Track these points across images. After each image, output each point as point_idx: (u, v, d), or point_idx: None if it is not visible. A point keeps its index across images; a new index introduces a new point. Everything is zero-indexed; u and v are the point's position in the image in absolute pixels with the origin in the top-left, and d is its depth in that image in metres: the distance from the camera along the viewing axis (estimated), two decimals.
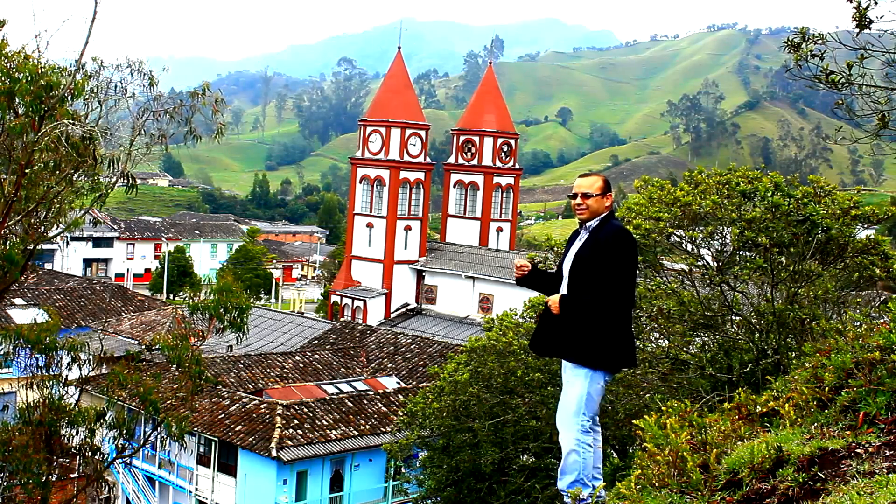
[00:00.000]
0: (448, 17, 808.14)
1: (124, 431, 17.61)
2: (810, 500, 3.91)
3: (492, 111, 65.22)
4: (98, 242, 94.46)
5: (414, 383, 37.14)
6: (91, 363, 17.64)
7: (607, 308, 5.89)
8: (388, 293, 59.09)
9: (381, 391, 36.11)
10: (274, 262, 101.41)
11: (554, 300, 6.04)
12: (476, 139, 64.00)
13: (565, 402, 6.04)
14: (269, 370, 38.70)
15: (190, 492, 34.61)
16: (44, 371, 16.64)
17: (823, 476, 4.04)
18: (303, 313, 64.13)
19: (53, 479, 17.31)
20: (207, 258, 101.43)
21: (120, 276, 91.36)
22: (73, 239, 75.70)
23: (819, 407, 4.94)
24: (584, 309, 5.91)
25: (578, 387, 5.97)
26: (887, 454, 4.09)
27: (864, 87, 6.85)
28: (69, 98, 12.80)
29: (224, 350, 39.92)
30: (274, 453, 30.09)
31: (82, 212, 15.45)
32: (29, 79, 12.21)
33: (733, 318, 14.45)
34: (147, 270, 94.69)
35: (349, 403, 34.12)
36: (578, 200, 6.11)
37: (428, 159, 61.71)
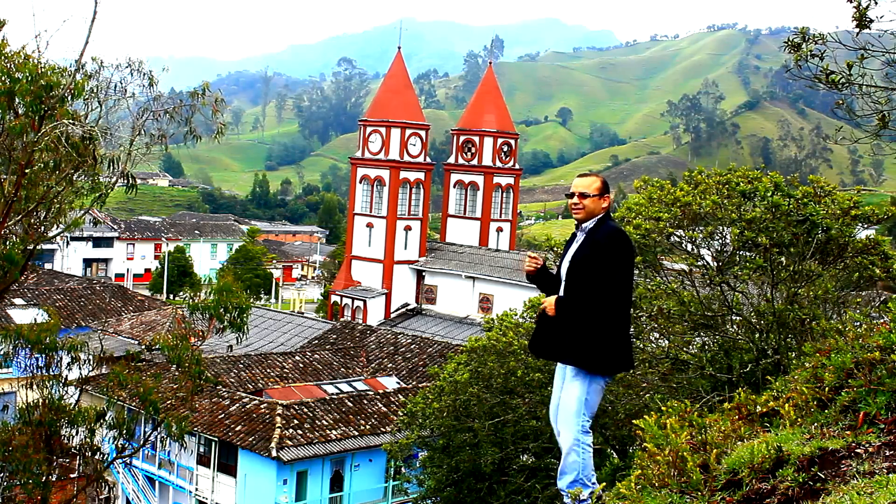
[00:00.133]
0: (448, 17, 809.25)
1: (124, 431, 17.61)
2: (810, 500, 3.91)
3: (492, 111, 65.19)
4: (98, 242, 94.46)
5: (414, 383, 37.14)
6: (91, 363, 17.64)
7: (603, 310, 5.87)
8: (388, 293, 59.08)
9: (381, 391, 36.11)
10: (274, 262, 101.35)
11: (549, 302, 6.03)
12: (476, 139, 63.97)
13: (565, 403, 6.04)
14: (269, 370, 38.70)
15: (190, 492, 34.61)
16: (44, 371, 16.64)
17: (823, 476, 4.04)
18: (303, 313, 64.11)
19: (53, 479, 17.32)
20: (207, 258, 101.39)
21: (120, 276, 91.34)
22: (73, 239, 75.77)
23: (819, 407, 4.94)
24: (580, 311, 5.90)
25: (578, 389, 5.97)
26: (887, 454, 4.09)
27: (864, 87, 6.84)
28: (69, 98, 12.79)
29: (224, 350, 39.90)
30: (274, 453, 30.09)
31: (82, 212, 15.44)
32: (29, 79, 12.21)
33: (733, 318, 14.44)
34: (147, 270, 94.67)
35: (349, 403, 34.12)
36: (575, 200, 6.10)
37: (428, 159, 61.69)
